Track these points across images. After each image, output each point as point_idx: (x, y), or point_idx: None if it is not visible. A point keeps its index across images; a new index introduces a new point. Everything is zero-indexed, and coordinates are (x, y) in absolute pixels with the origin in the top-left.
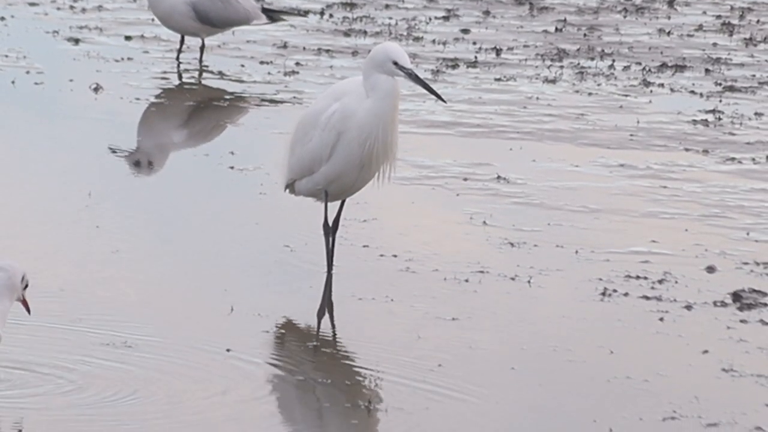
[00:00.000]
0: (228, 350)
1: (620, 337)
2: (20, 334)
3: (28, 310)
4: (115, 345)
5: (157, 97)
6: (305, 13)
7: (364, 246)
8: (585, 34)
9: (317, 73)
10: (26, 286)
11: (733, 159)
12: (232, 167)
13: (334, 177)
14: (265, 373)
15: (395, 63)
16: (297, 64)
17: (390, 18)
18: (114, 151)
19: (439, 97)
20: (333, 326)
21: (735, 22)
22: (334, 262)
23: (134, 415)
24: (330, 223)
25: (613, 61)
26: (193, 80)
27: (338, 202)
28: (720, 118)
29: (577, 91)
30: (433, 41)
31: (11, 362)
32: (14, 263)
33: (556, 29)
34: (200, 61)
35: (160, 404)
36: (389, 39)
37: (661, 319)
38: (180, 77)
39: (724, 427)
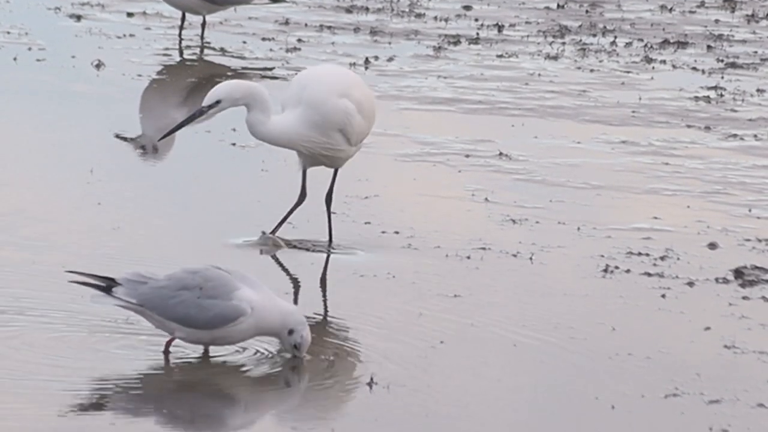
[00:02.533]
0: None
1: (622, 313)
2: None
3: None
4: (117, 322)
5: (158, 73)
6: None
7: (366, 223)
8: (587, 11)
9: (319, 50)
10: None
11: (735, 135)
12: (233, 144)
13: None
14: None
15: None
16: (299, 40)
17: None
18: (119, 137)
19: (163, 136)
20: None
21: None
22: (333, 237)
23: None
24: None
25: (615, 37)
26: (194, 57)
27: (330, 176)
28: (722, 95)
29: (579, 68)
30: (435, 18)
31: None
32: None
33: (558, 5)
34: (202, 37)
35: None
36: (391, 15)
37: (663, 296)
38: (182, 54)
39: (726, 403)
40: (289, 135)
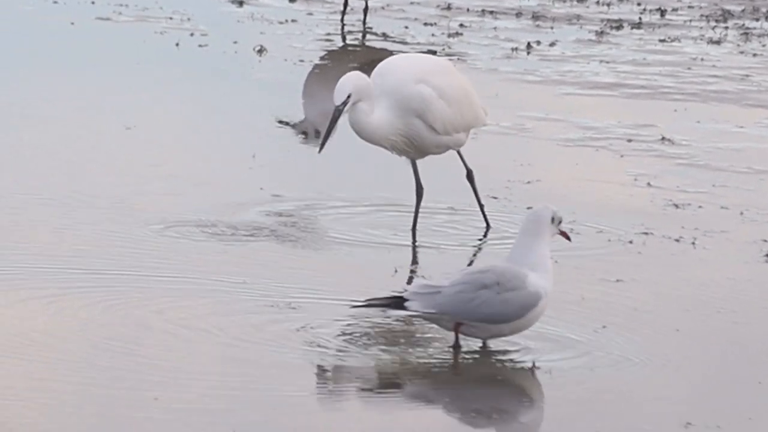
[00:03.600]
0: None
1: None
2: None
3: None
4: (280, 307)
5: (321, 59)
6: None
7: (528, 207)
8: None
9: (481, 35)
10: (560, 222)
11: None
12: None
13: None
14: (424, 332)
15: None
16: (461, 25)
17: None
18: (281, 122)
19: (322, 145)
20: None
21: None
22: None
23: None
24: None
25: None
26: (356, 42)
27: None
28: None
29: (741, 52)
30: (597, 2)
31: None
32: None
33: None
34: (364, 22)
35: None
36: (553, 0)
37: None
38: (344, 39)
39: None
40: (383, 129)
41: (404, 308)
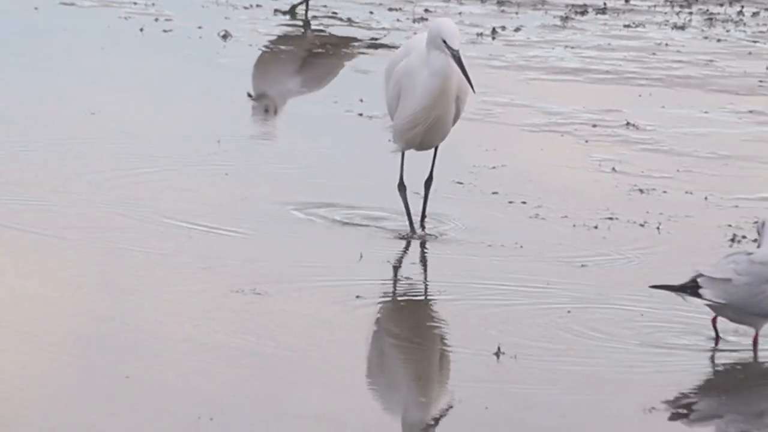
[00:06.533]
0: (357, 296)
1: None
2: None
3: None
4: (245, 292)
5: (285, 44)
6: None
7: (494, 193)
8: None
9: None
10: None
11: None
12: (360, 114)
13: (398, 132)
14: (392, 312)
15: (444, 41)
16: (426, 10)
17: None
18: (250, 95)
19: (471, 85)
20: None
21: None
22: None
23: None
24: (404, 181)
25: (742, 6)
26: (321, 27)
27: (430, 157)
28: None
29: (706, 38)
30: None
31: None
32: None
33: None
34: (303, 9)
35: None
36: None
37: None
38: (308, 24)
39: None
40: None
41: (699, 296)
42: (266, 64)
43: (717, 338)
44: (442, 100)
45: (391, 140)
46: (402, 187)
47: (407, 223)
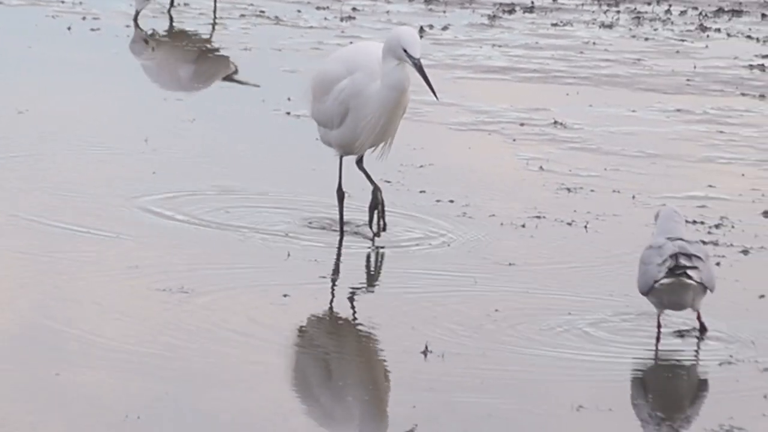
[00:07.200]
0: (285, 295)
1: None
2: None
3: None
4: (173, 291)
5: (210, 43)
6: None
7: (421, 191)
8: None
9: (374, 18)
10: None
11: None
12: (288, 113)
13: (342, 143)
14: (322, 315)
15: (405, 50)
16: (353, 9)
17: None
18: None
19: (434, 93)
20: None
21: None
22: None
23: None
24: (343, 188)
25: (670, 5)
26: (249, 26)
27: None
28: None
29: (633, 36)
30: None
31: None
32: None
33: None
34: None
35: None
36: None
37: (718, 264)
38: (214, 22)
39: None
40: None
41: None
42: (203, 64)
43: (659, 335)
44: (396, 111)
45: (321, 141)
46: (340, 193)
47: (338, 228)
